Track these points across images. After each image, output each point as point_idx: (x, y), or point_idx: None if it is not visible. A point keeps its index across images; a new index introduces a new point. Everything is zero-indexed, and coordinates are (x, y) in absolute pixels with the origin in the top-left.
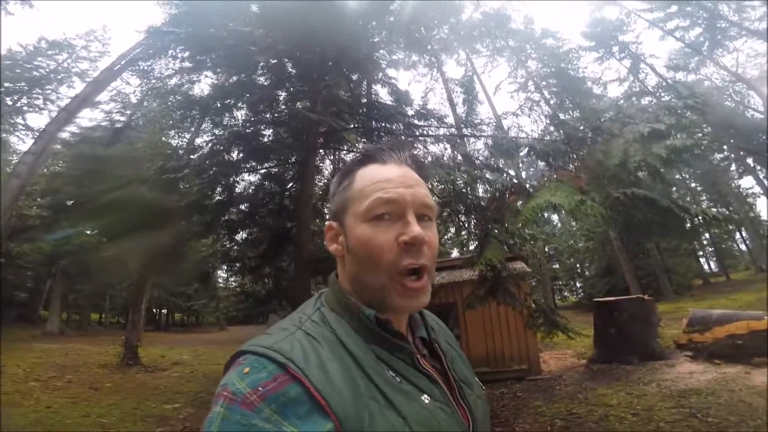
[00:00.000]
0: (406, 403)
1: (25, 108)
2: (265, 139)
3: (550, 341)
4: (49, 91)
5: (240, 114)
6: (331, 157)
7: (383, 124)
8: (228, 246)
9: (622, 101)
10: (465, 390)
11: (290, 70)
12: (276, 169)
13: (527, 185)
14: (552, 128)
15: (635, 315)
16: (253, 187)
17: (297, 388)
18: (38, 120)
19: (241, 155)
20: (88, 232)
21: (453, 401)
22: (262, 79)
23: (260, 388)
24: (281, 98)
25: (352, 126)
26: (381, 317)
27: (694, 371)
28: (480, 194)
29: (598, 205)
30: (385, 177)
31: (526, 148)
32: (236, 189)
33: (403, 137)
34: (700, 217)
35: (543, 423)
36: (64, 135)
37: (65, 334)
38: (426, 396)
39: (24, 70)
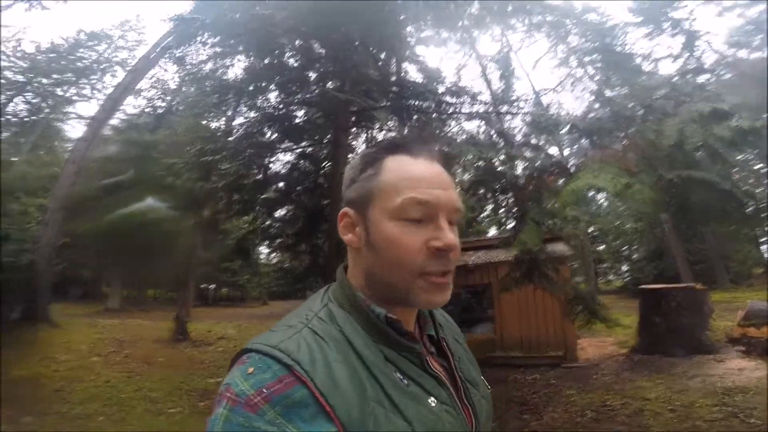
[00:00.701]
0: (412, 407)
1: (75, 98)
2: (298, 120)
3: (589, 328)
4: (94, 81)
5: (273, 96)
6: (364, 136)
7: (414, 102)
8: (267, 224)
9: (676, 78)
10: (471, 390)
11: (319, 50)
12: (310, 149)
13: (569, 165)
14: (597, 105)
15: (684, 304)
16: (289, 167)
17: (303, 391)
18: (88, 108)
19: (275, 136)
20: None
21: (458, 402)
22: (291, 60)
23: (264, 390)
24: (312, 79)
25: (382, 104)
26: (391, 317)
27: (745, 368)
28: (518, 173)
29: (649, 188)
30: (418, 175)
31: (568, 126)
32: (272, 169)
33: (435, 115)
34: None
35: (573, 413)
36: (113, 122)
37: (125, 309)
38: (433, 399)
39: (68, 62)
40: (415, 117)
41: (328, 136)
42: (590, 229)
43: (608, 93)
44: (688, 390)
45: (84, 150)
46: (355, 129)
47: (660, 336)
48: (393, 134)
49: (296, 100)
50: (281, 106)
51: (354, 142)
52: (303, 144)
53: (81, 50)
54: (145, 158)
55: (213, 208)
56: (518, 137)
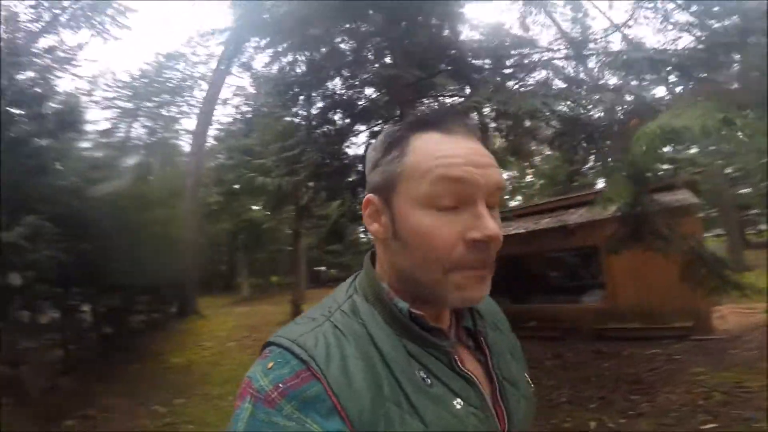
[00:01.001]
0: (432, 409)
1: (177, 115)
2: (363, 102)
3: (723, 295)
4: (187, 97)
5: (336, 83)
6: (435, 105)
7: (476, 62)
8: (356, 207)
9: None
10: (508, 390)
11: (365, 29)
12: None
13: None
14: (687, 36)
15: None
16: (364, 149)
17: (317, 386)
18: (191, 123)
19: (346, 122)
20: (255, 208)
21: (491, 402)
22: (343, 45)
23: (281, 385)
24: (366, 59)
25: (438, 71)
26: (415, 312)
27: None
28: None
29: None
30: (450, 151)
31: (659, 61)
32: (350, 153)
33: (506, 70)
34: None
35: (697, 394)
36: (213, 132)
37: (254, 297)
38: (459, 400)
39: (160, 84)
40: (478, 77)
41: (397, 113)
42: (728, 170)
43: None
44: None
45: (195, 163)
46: (422, 100)
47: None
48: (460, 99)
49: (357, 83)
50: (344, 92)
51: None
52: (373, 124)
53: (165, 71)
54: (245, 163)
55: (304, 198)
56: (600, 80)
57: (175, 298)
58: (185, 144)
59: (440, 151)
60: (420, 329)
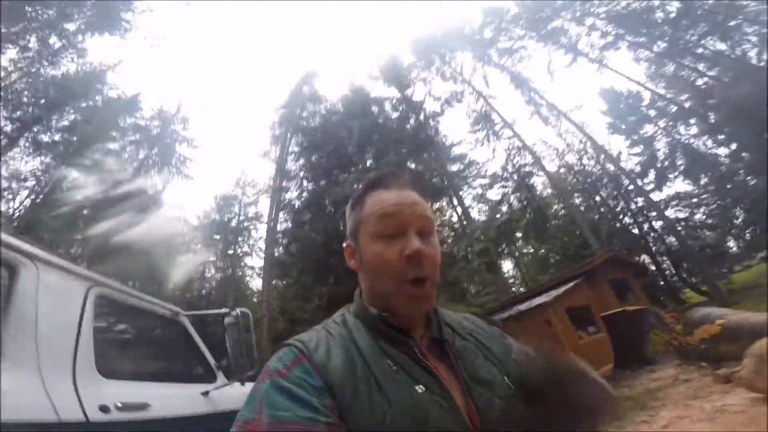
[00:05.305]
0: (395, 390)
1: (241, 254)
2: None
3: None
4: (246, 236)
5: None
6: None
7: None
8: None
9: None
10: (477, 390)
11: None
12: None
13: None
14: None
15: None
16: None
17: (307, 363)
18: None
19: None
20: None
21: (464, 400)
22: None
23: (287, 363)
24: None
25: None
26: (384, 314)
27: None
28: None
29: None
30: (386, 198)
31: None
32: None
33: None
34: None
35: None
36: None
37: None
38: (420, 386)
39: (224, 225)
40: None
41: None
42: None
43: None
44: None
45: (266, 304)
46: None
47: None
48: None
49: None
50: None
51: None
52: None
53: (225, 214)
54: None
55: None
56: None
57: None
58: (253, 280)
59: (381, 199)
60: (387, 327)
